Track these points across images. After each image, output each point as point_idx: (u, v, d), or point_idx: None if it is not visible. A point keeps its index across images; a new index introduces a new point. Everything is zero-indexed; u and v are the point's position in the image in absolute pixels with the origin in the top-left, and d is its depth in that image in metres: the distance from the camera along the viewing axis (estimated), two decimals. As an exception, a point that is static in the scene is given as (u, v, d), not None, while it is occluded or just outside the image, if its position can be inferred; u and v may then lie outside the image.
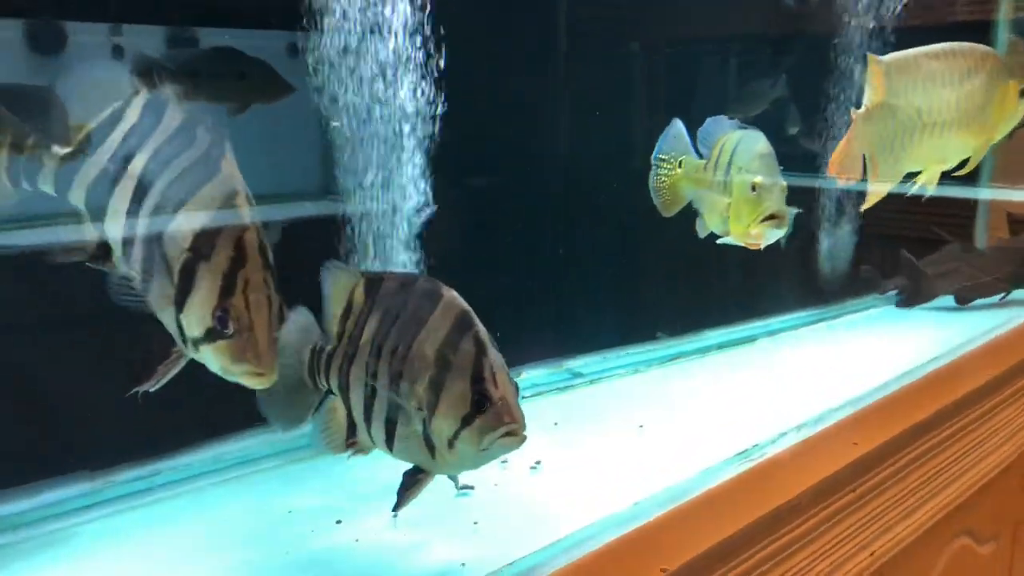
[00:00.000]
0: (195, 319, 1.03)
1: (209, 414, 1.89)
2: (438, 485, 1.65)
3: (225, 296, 1.00)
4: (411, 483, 1.35)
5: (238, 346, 1.02)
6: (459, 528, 1.60)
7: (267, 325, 1.04)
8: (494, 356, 1.24)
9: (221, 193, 1.02)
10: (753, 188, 1.78)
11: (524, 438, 1.25)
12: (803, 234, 2.85)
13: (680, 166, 2.07)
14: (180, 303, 1.03)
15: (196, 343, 1.07)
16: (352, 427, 1.39)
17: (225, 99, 1.98)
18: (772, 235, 1.81)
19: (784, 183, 1.79)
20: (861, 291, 3.01)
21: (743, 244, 1.87)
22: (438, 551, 1.52)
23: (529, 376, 2.39)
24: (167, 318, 1.08)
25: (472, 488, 1.77)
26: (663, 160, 2.10)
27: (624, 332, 2.58)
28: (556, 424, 2.12)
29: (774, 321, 2.83)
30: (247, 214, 1.04)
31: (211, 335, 1.03)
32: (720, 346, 2.63)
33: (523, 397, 2.32)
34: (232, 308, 1.00)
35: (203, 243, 1.01)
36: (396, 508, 1.34)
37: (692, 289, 2.75)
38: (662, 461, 1.84)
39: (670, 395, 2.31)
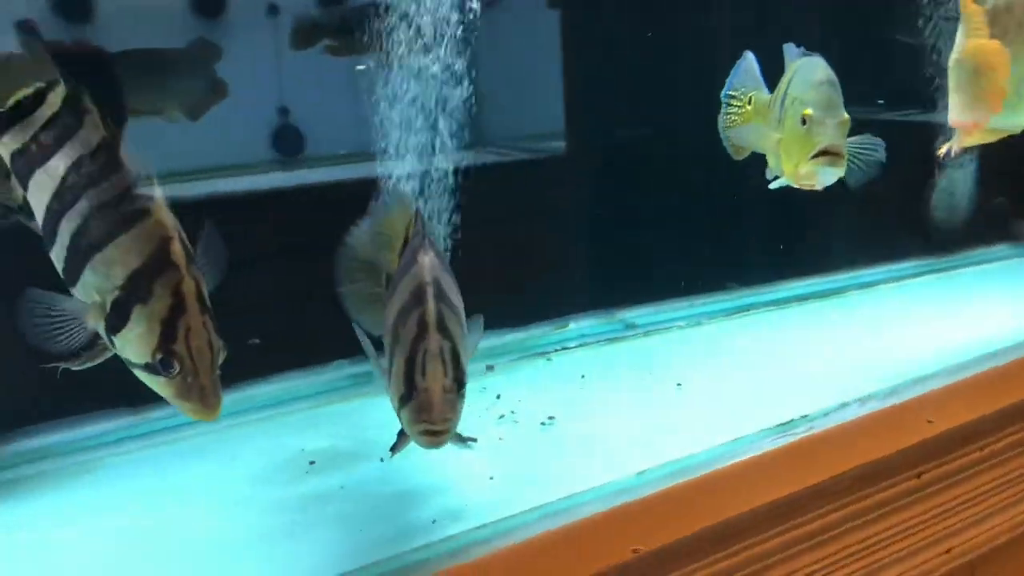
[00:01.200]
0: (131, 350, 1.02)
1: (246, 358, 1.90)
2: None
3: (166, 341, 1.00)
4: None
5: (182, 387, 1.03)
6: (447, 481, 1.48)
7: (210, 368, 1.04)
8: (433, 341, 1.13)
9: (151, 242, 1.00)
10: (804, 121, 1.49)
11: (443, 441, 1.17)
12: (913, 172, 2.42)
13: (750, 103, 1.78)
14: (113, 328, 1.01)
15: (131, 365, 1.05)
16: None
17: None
18: (826, 175, 1.50)
19: (845, 116, 1.47)
20: (988, 237, 2.54)
21: (796, 185, 1.58)
22: (417, 504, 1.41)
23: (576, 326, 2.21)
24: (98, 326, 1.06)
25: (475, 440, 1.63)
26: (733, 97, 1.82)
27: (689, 281, 2.32)
28: (583, 377, 1.94)
29: (870, 272, 2.45)
30: (181, 259, 1.02)
31: (152, 370, 1.02)
32: (800, 298, 2.31)
33: (565, 348, 2.19)
34: (175, 354, 1.00)
35: (137, 285, 1.00)
36: (393, 449, 1.31)
37: (771, 234, 2.42)
38: (689, 427, 1.62)
39: (726, 352, 2.05)
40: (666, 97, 2.33)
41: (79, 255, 1.00)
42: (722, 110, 1.86)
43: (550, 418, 1.72)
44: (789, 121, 1.52)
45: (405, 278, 1.21)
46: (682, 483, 1.36)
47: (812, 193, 1.70)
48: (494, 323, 2.19)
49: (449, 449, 1.57)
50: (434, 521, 1.34)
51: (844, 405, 1.61)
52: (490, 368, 2.07)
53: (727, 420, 1.62)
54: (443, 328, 1.15)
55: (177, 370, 1.01)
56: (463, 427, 1.65)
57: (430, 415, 1.12)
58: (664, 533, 1.20)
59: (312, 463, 1.54)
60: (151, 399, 1.68)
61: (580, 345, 2.17)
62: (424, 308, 1.14)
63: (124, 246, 0.99)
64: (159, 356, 0.99)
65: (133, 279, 0.98)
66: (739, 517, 1.25)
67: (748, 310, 2.27)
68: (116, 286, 0.98)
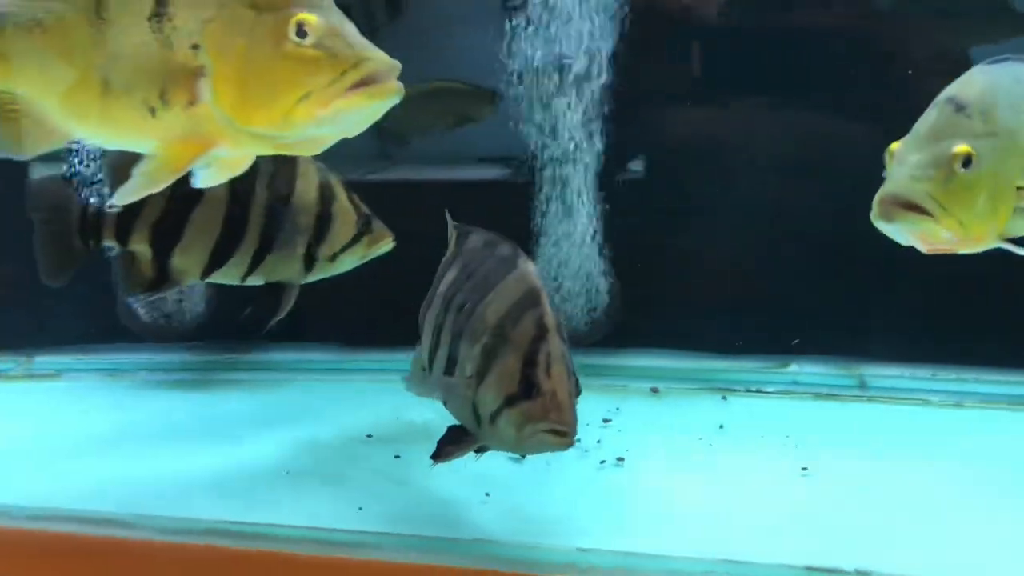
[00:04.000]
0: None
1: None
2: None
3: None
4: (456, 439, 1.26)
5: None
6: (442, 487, 1.38)
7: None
8: (556, 345, 1.11)
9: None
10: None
11: (571, 442, 1.10)
12: None
13: None
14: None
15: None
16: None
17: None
18: (894, 232, 0.97)
19: (953, 151, 0.96)
20: None
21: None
22: (381, 496, 1.37)
23: (792, 370, 1.78)
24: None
25: (521, 457, 1.50)
26: None
27: (989, 350, 1.62)
28: (721, 428, 1.56)
29: None
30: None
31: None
32: None
33: (760, 391, 1.78)
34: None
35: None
36: (435, 458, 1.26)
37: None
38: (744, 528, 1.20)
39: (940, 450, 1.39)
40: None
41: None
42: None
43: (619, 459, 1.45)
44: None
45: (506, 280, 1.19)
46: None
47: None
48: (709, 346, 1.89)
49: (500, 456, 1.49)
50: (360, 508, 1.31)
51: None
52: (654, 391, 1.81)
53: (801, 536, 1.16)
54: (562, 334, 1.13)
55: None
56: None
57: (561, 415, 1.08)
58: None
59: (369, 436, 1.60)
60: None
61: (780, 392, 1.74)
62: (542, 311, 1.13)
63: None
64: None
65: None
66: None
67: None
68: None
